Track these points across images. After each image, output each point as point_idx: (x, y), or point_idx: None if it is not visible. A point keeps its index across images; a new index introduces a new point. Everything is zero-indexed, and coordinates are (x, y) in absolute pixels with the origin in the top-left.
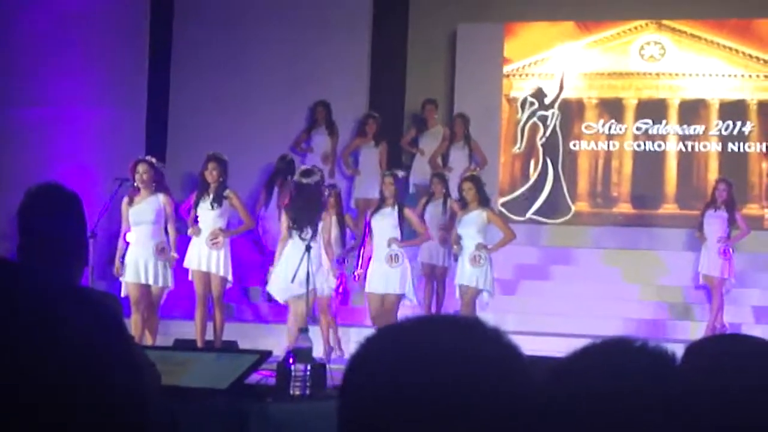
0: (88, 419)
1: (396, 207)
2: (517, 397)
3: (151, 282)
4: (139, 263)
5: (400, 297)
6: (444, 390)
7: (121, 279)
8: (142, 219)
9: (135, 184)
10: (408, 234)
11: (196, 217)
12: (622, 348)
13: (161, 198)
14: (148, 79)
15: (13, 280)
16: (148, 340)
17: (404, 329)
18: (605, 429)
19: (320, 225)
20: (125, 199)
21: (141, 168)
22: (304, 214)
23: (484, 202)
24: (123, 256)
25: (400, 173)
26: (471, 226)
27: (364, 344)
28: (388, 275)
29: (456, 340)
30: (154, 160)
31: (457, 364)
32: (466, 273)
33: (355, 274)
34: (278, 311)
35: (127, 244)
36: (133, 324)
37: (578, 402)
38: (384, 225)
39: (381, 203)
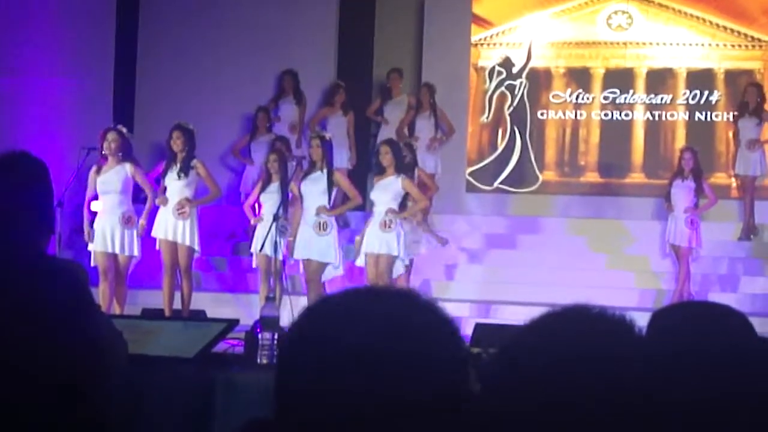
0: (49, 384)
1: (325, 171)
2: (449, 366)
3: (117, 251)
4: (106, 232)
5: (325, 265)
6: (377, 359)
7: (90, 248)
8: (108, 188)
9: (103, 153)
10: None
11: (165, 187)
12: (580, 315)
13: (128, 167)
14: (115, 47)
15: None
16: (116, 310)
17: (342, 299)
18: (563, 396)
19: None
20: (93, 168)
21: (110, 136)
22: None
23: (400, 167)
24: (91, 224)
25: (327, 135)
26: (386, 193)
27: (302, 315)
28: (316, 243)
29: (390, 310)
30: (124, 129)
31: (390, 333)
32: (376, 240)
33: (288, 240)
34: (245, 281)
35: (93, 213)
36: (101, 293)
37: (535, 369)
38: (313, 190)
39: (310, 168)
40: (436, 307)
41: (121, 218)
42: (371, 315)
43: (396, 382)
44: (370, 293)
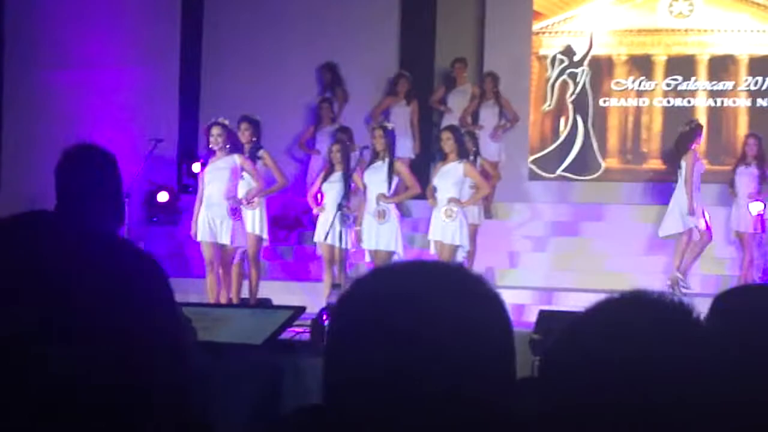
0: (137, 364)
1: (387, 161)
2: (495, 343)
3: (226, 242)
4: (214, 222)
5: (391, 254)
6: (422, 332)
7: (198, 239)
8: (216, 178)
9: (210, 147)
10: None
11: None
12: (637, 301)
13: (236, 158)
14: (180, 37)
15: (64, 230)
16: (234, 298)
17: (390, 272)
18: (620, 381)
19: (683, 164)
20: (200, 161)
21: (215, 131)
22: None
23: (462, 154)
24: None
25: (390, 125)
26: (447, 179)
27: (353, 285)
28: (378, 231)
29: (436, 286)
30: (226, 121)
31: (435, 306)
32: (439, 228)
33: (356, 229)
34: (310, 269)
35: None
36: (209, 284)
37: (592, 355)
38: (376, 180)
39: (374, 157)
40: (483, 283)
41: (229, 209)
42: (420, 287)
43: (442, 362)
44: (421, 266)
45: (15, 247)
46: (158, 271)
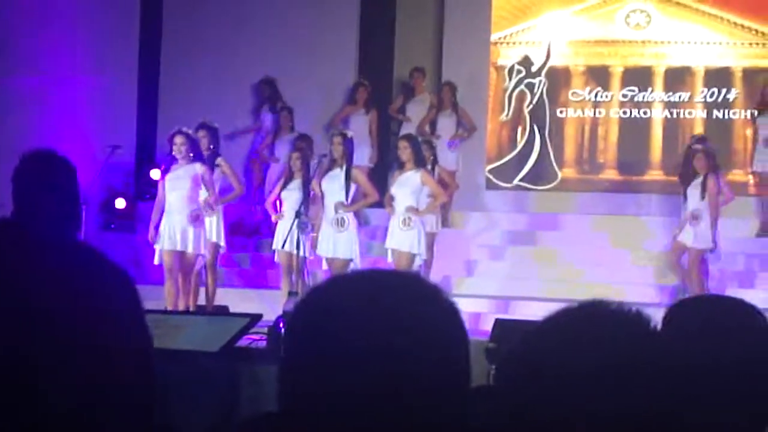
0: (103, 368)
1: (344, 168)
2: (451, 351)
3: (189, 249)
4: (175, 230)
5: (348, 262)
6: (378, 340)
7: (156, 247)
8: (177, 186)
9: (172, 154)
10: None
11: None
12: (596, 311)
13: (198, 167)
14: (139, 45)
15: (24, 238)
16: (191, 306)
17: (348, 280)
18: (576, 390)
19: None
20: (160, 168)
21: (178, 140)
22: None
23: (419, 162)
24: (157, 225)
25: (349, 133)
26: (405, 187)
27: (309, 293)
28: (336, 240)
29: (394, 294)
30: (190, 130)
31: (390, 315)
32: (396, 236)
33: (311, 236)
34: (267, 277)
35: (161, 212)
36: (167, 291)
37: (550, 368)
38: (333, 188)
39: (331, 165)
40: (440, 292)
41: (189, 216)
42: (377, 296)
43: (399, 370)
44: (377, 275)
45: None
46: (124, 278)
